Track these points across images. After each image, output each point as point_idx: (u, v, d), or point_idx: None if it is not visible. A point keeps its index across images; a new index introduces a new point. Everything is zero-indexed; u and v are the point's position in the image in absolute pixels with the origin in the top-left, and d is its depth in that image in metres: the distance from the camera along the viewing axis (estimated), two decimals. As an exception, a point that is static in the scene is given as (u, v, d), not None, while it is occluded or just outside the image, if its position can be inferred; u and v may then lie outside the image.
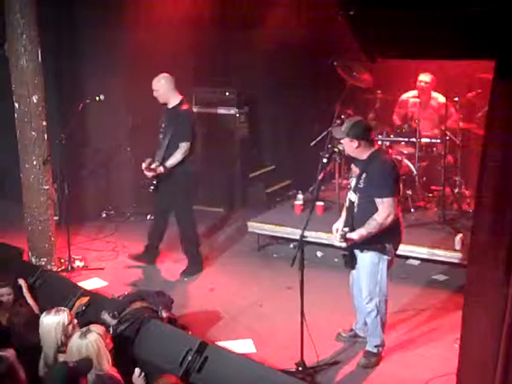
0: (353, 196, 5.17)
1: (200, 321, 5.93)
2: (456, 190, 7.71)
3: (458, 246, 6.56)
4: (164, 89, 6.76)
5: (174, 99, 6.81)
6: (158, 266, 7.30)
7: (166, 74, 6.78)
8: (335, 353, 5.36)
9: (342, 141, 5.22)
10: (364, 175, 5.08)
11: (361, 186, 5.09)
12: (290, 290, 6.36)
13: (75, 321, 4.64)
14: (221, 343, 5.33)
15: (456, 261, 6.50)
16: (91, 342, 4.19)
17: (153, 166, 6.69)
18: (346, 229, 4.97)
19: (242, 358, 4.71)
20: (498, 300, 3.28)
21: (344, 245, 4.98)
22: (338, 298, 6.36)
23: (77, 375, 3.98)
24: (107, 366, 4.23)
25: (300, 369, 5.02)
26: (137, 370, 4.48)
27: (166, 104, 6.86)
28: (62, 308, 4.69)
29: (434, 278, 6.80)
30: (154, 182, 6.80)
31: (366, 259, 5.11)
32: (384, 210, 4.92)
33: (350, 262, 5.16)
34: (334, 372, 5.14)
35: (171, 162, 6.70)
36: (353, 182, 5.22)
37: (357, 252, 5.12)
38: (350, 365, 5.24)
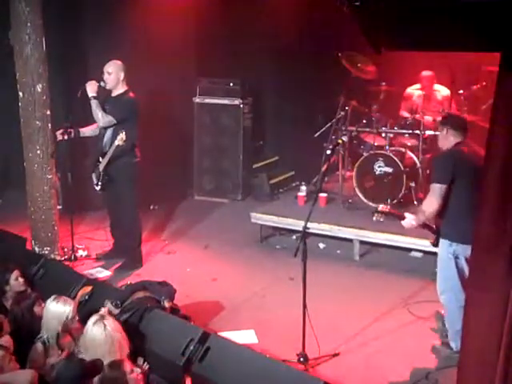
0: None
1: (202, 311, 5.93)
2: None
3: (460, 239, 6.55)
4: (116, 73, 6.68)
5: (120, 87, 6.76)
6: (155, 257, 7.32)
7: (119, 61, 6.73)
8: (337, 344, 5.36)
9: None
10: None
11: None
12: (293, 281, 6.37)
13: (76, 317, 4.64)
14: (223, 333, 5.34)
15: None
16: (112, 329, 4.19)
17: (101, 163, 6.72)
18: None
19: (243, 348, 4.71)
20: (500, 292, 3.27)
21: (404, 224, 5.15)
22: (340, 290, 6.38)
23: (90, 374, 3.99)
24: (127, 349, 4.26)
25: (301, 360, 5.04)
26: (139, 360, 4.50)
27: (110, 92, 6.81)
28: (70, 300, 4.69)
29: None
30: (99, 181, 6.77)
31: (440, 247, 5.13)
32: (428, 197, 4.95)
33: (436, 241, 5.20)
34: (335, 364, 5.14)
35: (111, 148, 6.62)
36: None
37: None
38: (351, 356, 5.25)
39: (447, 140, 5.10)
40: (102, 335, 4.15)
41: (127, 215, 7.00)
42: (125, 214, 7.01)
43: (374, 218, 5.25)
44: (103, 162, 6.73)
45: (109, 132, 6.75)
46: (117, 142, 6.50)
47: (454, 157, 5.00)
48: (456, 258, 4.98)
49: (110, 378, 4.01)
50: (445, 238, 5.04)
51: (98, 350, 4.12)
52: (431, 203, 4.90)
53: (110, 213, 7.32)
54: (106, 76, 6.72)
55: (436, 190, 4.88)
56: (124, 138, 6.45)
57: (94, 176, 6.89)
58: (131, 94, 6.77)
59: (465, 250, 4.87)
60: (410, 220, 5.10)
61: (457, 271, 4.99)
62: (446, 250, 5.03)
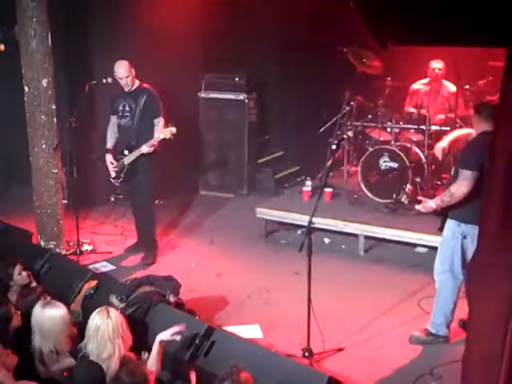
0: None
1: (207, 306, 5.95)
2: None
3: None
4: (130, 72, 6.68)
5: (135, 82, 6.78)
6: (161, 252, 7.32)
7: (125, 61, 6.70)
8: (341, 339, 5.36)
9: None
10: None
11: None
12: (298, 275, 6.36)
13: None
14: (228, 328, 5.35)
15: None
16: (116, 318, 4.17)
17: (128, 157, 6.71)
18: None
19: (248, 343, 4.73)
20: (505, 288, 3.27)
21: (419, 208, 5.19)
22: (345, 285, 6.38)
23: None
24: (130, 341, 4.27)
25: (306, 354, 5.05)
26: (144, 354, 4.51)
27: (123, 89, 6.80)
28: (58, 302, 4.48)
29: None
30: (122, 174, 6.80)
31: (445, 228, 5.13)
32: (459, 181, 4.90)
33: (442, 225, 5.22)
34: (339, 358, 5.15)
35: (154, 140, 6.61)
36: None
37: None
38: (355, 351, 5.25)
39: (477, 125, 5.05)
40: (104, 323, 4.13)
41: (147, 207, 7.02)
42: (145, 207, 7.02)
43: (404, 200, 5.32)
44: (133, 154, 6.70)
45: (140, 125, 6.72)
46: (162, 136, 6.52)
47: (483, 143, 4.86)
48: (464, 238, 4.99)
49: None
50: (453, 218, 5.04)
51: (101, 338, 4.11)
52: (461, 186, 4.86)
53: (133, 205, 7.31)
54: (123, 82, 6.69)
55: (467, 175, 4.85)
56: (173, 131, 6.51)
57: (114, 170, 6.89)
58: (146, 85, 6.79)
59: (473, 230, 4.77)
60: (428, 204, 5.10)
61: (460, 252, 5.02)
62: (452, 230, 5.05)
